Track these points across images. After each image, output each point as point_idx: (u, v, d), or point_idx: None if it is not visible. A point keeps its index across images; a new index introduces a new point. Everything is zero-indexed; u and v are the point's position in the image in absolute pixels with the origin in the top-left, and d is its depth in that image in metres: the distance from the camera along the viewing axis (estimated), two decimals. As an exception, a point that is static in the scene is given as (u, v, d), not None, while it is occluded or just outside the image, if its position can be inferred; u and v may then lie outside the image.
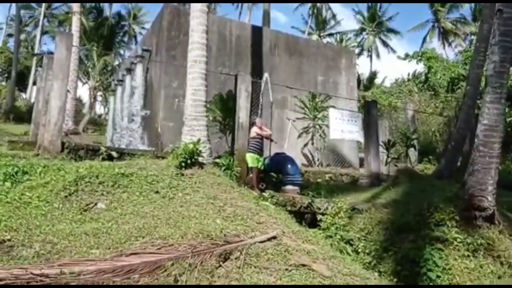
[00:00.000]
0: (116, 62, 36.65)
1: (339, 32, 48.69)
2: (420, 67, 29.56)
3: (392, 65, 66.16)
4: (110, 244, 4.75)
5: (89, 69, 34.22)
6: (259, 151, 10.43)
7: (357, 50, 47.41)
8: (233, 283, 4.27)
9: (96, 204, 6.11)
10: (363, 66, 52.17)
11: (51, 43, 42.85)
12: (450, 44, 40.49)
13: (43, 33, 41.49)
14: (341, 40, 46.69)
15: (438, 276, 6.71)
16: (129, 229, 5.16)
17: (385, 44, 48.06)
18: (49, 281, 3.64)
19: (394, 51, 47.90)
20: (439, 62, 27.58)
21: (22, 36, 41.24)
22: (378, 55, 48.61)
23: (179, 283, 4.06)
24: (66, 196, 6.15)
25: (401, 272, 6.97)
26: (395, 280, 6.53)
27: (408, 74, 31.81)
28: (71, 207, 5.94)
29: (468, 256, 7.20)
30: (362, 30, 48.93)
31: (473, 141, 8.54)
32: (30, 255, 4.32)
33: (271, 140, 11.51)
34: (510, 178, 12.59)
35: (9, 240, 4.60)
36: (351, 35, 49.17)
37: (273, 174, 10.98)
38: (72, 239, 4.80)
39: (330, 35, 48.58)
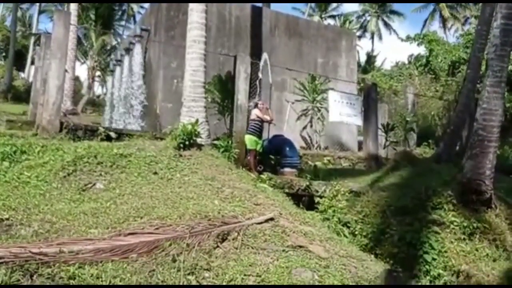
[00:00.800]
0: (115, 42, 36.36)
1: (340, 15, 48.24)
2: (421, 50, 29.39)
3: (394, 47, 65.64)
4: (108, 224, 4.78)
5: (87, 49, 33.93)
6: (259, 134, 10.42)
7: (359, 32, 47.13)
8: (230, 263, 4.31)
9: (94, 184, 6.12)
10: (365, 48, 51.65)
11: (47, 21, 42.37)
12: (449, 28, 40.25)
13: (41, 12, 41.01)
14: (344, 22, 46.23)
15: (434, 259, 6.76)
16: (127, 209, 5.18)
17: (387, 25, 47.68)
18: (48, 259, 3.67)
19: (396, 33, 47.40)
20: (441, 45, 27.35)
21: (19, 14, 40.70)
22: (380, 37, 48.24)
23: (176, 263, 4.09)
24: (64, 176, 6.16)
25: (397, 255, 7.02)
26: (391, 262, 6.59)
27: (410, 56, 31.55)
28: (69, 187, 5.96)
29: (464, 239, 7.26)
30: (364, 11, 48.43)
31: (472, 125, 8.53)
32: (28, 234, 4.34)
33: (270, 123, 11.50)
34: (508, 162, 12.62)
35: (7, 219, 4.61)
36: (353, 17, 48.69)
37: (271, 157, 10.99)
38: (70, 219, 4.82)
39: (332, 16, 48.09)
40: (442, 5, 39.20)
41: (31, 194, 5.52)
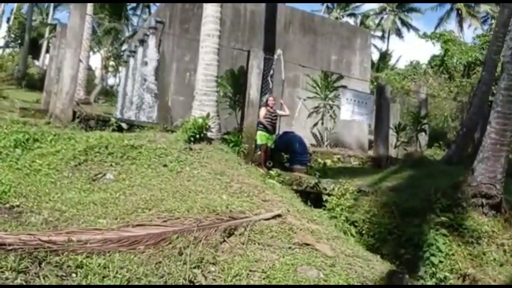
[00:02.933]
0: (128, 33, 36.42)
1: (360, 13, 47.75)
2: (437, 49, 29.11)
3: (410, 45, 65.28)
4: (117, 214, 4.82)
5: (102, 39, 34.04)
6: (270, 129, 10.39)
7: (379, 32, 46.70)
8: (236, 258, 4.32)
9: (104, 174, 6.17)
10: (382, 46, 50.59)
11: (63, 10, 42.50)
12: (469, 26, 39.54)
13: (56, 5, 41.30)
14: (363, 21, 45.75)
15: (440, 261, 6.75)
16: (136, 201, 5.22)
17: (404, 23, 47.02)
18: (57, 248, 3.71)
19: (415, 29, 46.58)
20: (457, 46, 27.04)
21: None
22: (400, 36, 47.46)
23: (183, 256, 4.12)
24: (75, 165, 6.22)
25: (404, 256, 7.01)
26: (397, 263, 6.57)
27: (432, 58, 31.10)
28: (80, 176, 6.02)
29: (472, 242, 7.22)
30: (382, 9, 47.83)
31: (485, 128, 8.44)
32: (38, 222, 4.39)
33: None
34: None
35: (18, 206, 4.68)
36: (371, 15, 48.08)
37: (281, 153, 10.98)
38: (80, 208, 4.88)
39: (352, 15, 47.56)
40: (460, 3, 38.55)
41: (42, 182, 5.59)
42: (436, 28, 38.46)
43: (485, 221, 7.54)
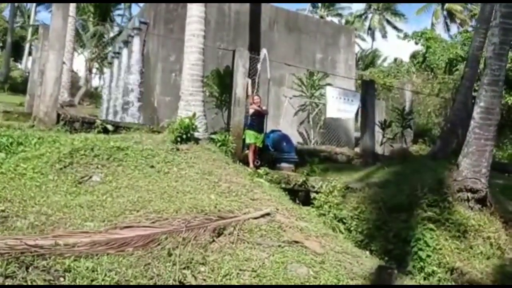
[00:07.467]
0: (113, 33, 36.05)
1: (342, 14, 47.95)
2: (420, 48, 29.37)
3: (398, 45, 65.79)
4: (104, 217, 4.77)
5: (85, 41, 33.67)
6: (257, 128, 10.37)
7: (366, 34, 47.04)
8: (226, 258, 4.32)
9: (91, 177, 6.11)
10: (367, 45, 50.76)
11: (44, 10, 41.97)
12: (457, 26, 39.87)
13: (38, 4, 40.71)
14: (347, 21, 46.01)
15: (428, 256, 6.80)
16: (124, 203, 5.17)
17: (390, 23, 47.40)
18: (44, 252, 3.66)
19: (397, 30, 46.93)
20: (438, 43, 27.32)
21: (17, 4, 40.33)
22: (385, 35, 47.79)
23: (172, 257, 4.09)
24: (61, 168, 6.14)
25: (392, 251, 7.07)
26: (386, 258, 6.62)
27: (414, 55, 31.38)
28: (66, 179, 5.94)
29: (459, 236, 7.29)
30: (366, 10, 48.14)
31: (469, 123, 8.54)
32: (24, 226, 4.33)
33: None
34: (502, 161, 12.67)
35: (3, 210, 4.60)
36: (358, 15, 48.32)
37: (269, 152, 11.00)
38: (66, 211, 4.81)
39: (337, 15, 47.74)
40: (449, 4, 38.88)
41: (27, 186, 5.50)
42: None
43: (471, 215, 7.63)
